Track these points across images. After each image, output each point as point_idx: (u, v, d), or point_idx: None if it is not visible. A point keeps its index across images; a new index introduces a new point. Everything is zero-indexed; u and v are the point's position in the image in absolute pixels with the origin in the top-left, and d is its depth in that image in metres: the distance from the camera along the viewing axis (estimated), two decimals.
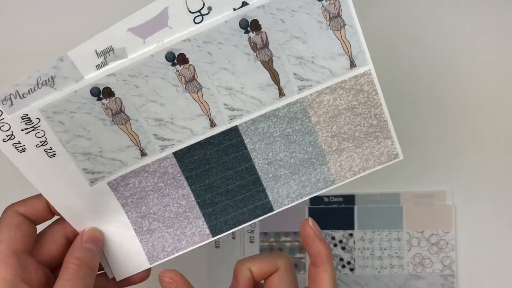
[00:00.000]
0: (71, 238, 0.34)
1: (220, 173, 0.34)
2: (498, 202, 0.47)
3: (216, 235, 0.35)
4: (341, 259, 0.47)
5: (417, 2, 0.46)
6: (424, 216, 0.46)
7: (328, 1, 0.31)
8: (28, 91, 0.30)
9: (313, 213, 0.47)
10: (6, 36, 0.46)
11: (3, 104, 0.29)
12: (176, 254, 0.35)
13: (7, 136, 0.30)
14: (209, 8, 0.30)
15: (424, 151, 0.47)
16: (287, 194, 0.35)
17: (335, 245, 0.47)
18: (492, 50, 0.46)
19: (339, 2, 0.31)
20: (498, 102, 0.46)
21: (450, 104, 0.46)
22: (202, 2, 0.30)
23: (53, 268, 0.34)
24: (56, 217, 0.34)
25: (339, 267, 0.47)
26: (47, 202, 0.33)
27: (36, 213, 0.33)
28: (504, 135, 0.47)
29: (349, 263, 0.47)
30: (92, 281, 0.32)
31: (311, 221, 0.34)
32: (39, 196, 0.33)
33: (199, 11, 0.30)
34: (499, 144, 0.47)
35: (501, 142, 0.47)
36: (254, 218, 0.35)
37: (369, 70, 0.33)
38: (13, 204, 0.33)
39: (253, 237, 0.47)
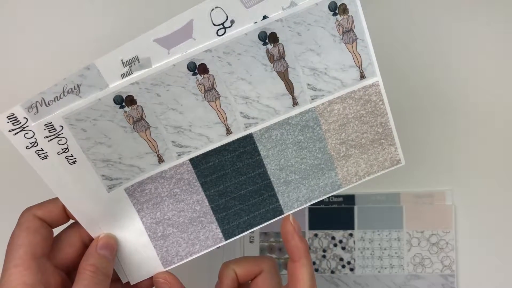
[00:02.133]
0: (87, 242, 0.34)
1: (234, 178, 0.35)
2: (498, 202, 0.48)
3: (229, 238, 0.36)
4: (341, 259, 0.48)
5: (416, 12, 0.47)
6: (424, 216, 0.47)
7: (342, 16, 0.33)
8: (54, 98, 0.30)
9: (313, 213, 0.48)
10: (6, 37, 0.45)
11: (28, 111, 0.29)
12: (190, 258, 0.36)
13: (31, 143, 0.30)
14: (232, 21, 0.31)
15: (424, 151, 0.47)
16: (297, 198, 0.37)
17: (335, 245, 0.48)
18: (492, 53, 0.47)
19: (352, 17, 0.33)
20: (498, 103, 0.47)
21: (450, 105, 0.47)
22: (225, 15, 0.31)
23: (69, 272, 0.34)
24: (71, 221, 0.35)
25: (339, 267, 0.48)
26: (63, 206, 0.33)
27: (53, 217, 0.33)
28: (504, 135, 0.47)
29: (349, 263, 0.48)
30: (107, 287, 0.33)
31: (291, 218, 0.35)
32: (55, 200, 0.33)
33: (222, 24, 0.31)
34: (499, 144, 0.47)
35: (501, 142, 0.47)
36: (265, 221, 0.37)
37: (377, 81, 0.35)
38: (30, 208, 0.33)
39: (253, 237, 0.48)
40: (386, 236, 0.48)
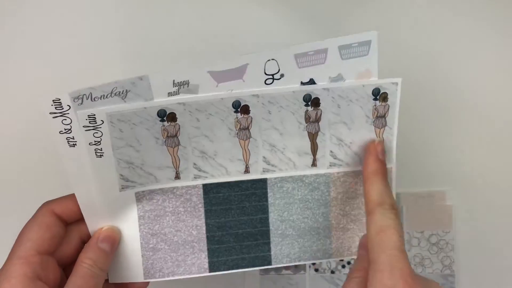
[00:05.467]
0: (86, 240, 0.35)
1: (237, 216, 0.37)
2: (497, 202, 0.47)
3: (213, 271, 0.38)
4: (341, 259, 0.48)
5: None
6: (424, 216, 0.46)
7: (380, 102, 0.35)
8: (101, 96, 0.31)
9: None
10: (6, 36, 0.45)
11: (74, 101, 0.31)
12: (171, 278, 0.37)
13: (65, 129, 0.31)
14: (282, 75, 0.34)
15: (424, 151, 0.47)
16: (288, 253, 0.38)
17: None
18: (492, 52, 0.46)
19: (388, 106, 0.36)
20: (498, 103, 0.47)
21: (450, 104, 0.47)
22: (278, 68, 0.34)
23: (64, 267, 0.35)
24: None
25: (339, 267, 0.48)
26: None
27: (71, 213, 0.34)
28: (504, 135, 0.47)
29: (349, 263, 0.48)
30: (102, 281, 0.33)
31: (377, 141, 0.36)
32: (73, 195, 0.34)
33: (272, 75, 0.34)
34: (499, 144, 0.47)
35: (501, 142, 0.47)
36: (252, 266, 0.38)
37: (392, 167, 0.37)
38: (49, 202, 0.34)
39: None
40: None
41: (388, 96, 0.35)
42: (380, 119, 0.36)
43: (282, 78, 0.34)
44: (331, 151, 0.36)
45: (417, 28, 0.46)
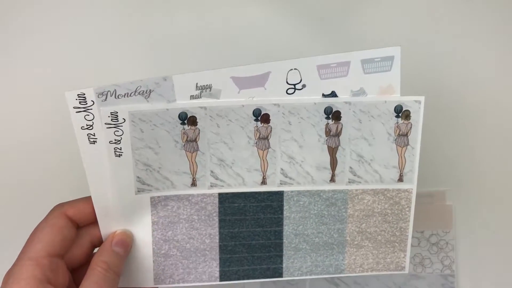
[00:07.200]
0: (97, 244, 0.35)
1: (251, 226, 0.36)
2: (497, 202, 0.47)
3: (223, 280, 0.37)
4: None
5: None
6: (424, 216, 0.46)
7: (403, 120, 0.35)
8: (125, 94, 0.32)
9: None
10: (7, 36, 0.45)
11: (98, 97, 0.31)
12: (181, 285, 0.37)
13: (87, 125, 0.32)
14: (303, 86, 0.34)
15: (424, 151, 0.45)
16: (299, 267, 0.37)
17: None
18: (492, 53, 0.46)
19: (411, 124, 0.35)
20: (498, 102, 0.46)
21: (450, 106, 0.46)
22: (300, 78, 0.34)
23: (73, 270, 0.34)
24: None
25: None
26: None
27: (82, 216, 0.34)
28: (504, 135, 0.47)
29: None
30: (116, 285, 0.33)
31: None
32: (87, 198, 0.34)
33: (294, 84, 0.34)
34: (499, 144, 0.47)
35: (501, 142, 0.47)
36: (263, 277, 0.37)
37: (412, 189, 0.37)
38: (62, 205, 0.34)
39: None
40: None
41: (411, 115, 0.35)
42: (402, 137, 0.36)
43: (303, 89, 0.34)
44: (350, 167, 0.36)
45: (419, 27, 0.45)
